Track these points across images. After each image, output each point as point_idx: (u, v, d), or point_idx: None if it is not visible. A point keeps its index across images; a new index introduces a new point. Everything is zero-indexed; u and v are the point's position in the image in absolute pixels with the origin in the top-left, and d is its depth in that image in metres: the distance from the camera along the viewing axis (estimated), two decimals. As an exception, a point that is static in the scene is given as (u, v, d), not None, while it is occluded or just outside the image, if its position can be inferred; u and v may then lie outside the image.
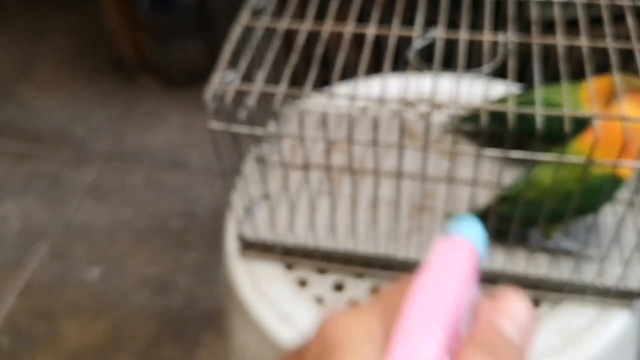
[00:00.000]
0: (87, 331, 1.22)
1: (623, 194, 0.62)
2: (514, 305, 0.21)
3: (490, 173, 0.66)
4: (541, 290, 0.57)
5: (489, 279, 0.58)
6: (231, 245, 0.65)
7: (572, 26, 0.58)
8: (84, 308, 1.26)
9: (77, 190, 1.52)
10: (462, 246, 0.22)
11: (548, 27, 0.57)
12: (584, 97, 0.56)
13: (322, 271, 0.62)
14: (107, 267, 1.33)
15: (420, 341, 0.19)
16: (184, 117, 1.68)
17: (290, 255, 0.62)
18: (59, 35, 2.01)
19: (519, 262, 0.57)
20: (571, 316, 0.55)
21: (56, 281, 1.31)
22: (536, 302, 0.58)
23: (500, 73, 0.62)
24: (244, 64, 0.51)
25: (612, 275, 0.55)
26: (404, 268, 0.60)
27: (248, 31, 0.55)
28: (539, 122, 0.42)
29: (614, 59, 0.50)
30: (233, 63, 0.53)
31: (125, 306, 1.26)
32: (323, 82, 0.71)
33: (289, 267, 0.63)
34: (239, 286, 0.62)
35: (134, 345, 1.19)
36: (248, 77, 0.52)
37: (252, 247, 0.63)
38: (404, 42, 0.56)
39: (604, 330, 0.55)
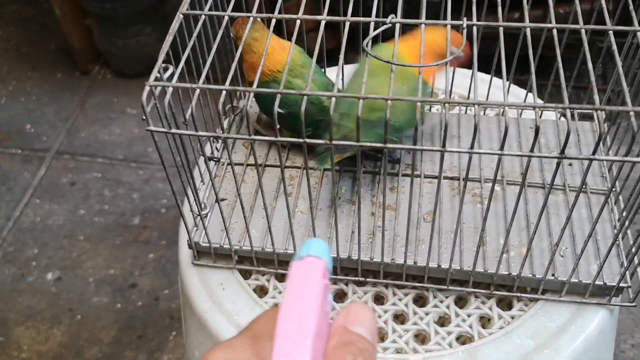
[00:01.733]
0: (43, 339, 1.16)
1: (597, 185, 0.60)
2: (359, 311, 0.26)
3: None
4: (514, 291, 0.53)
5: (460, 280, 0.54)
6: (184, 253, 0.60)
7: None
8: (39, 315, 1.19)
9: (26, 189, 1.44)
10: (314, 265, 0.25)
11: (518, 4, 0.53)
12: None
13: (281, 278, 0.58)
14: (62, 270, 1.27)
15: (297, 355, 0.22)
16: (139, 109, 1.61)
17: (247, 262, 0.58)
18: (4, 24, 1.90)
19: (490, 261, 0.53)
20: (546, 317, 0.52)
21: (8, 287, 1.24)
22: (509, 304, 0.55)
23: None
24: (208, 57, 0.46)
25: (588, 272, 0.52)
26: (368, 271, 0.56)
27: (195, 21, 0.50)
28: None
29: (585, 40, 0.46)
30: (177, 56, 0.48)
31: (83, 311, 1.20)
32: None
33: (246, 274, 0.58)
34: (193, 297, 0.57)
35: (93, 353, 1.13)
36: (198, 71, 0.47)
37: (205, 255, 0.58)
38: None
39: (580, 329, 0.52)
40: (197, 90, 0.43)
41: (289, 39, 0.48)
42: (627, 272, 0.51)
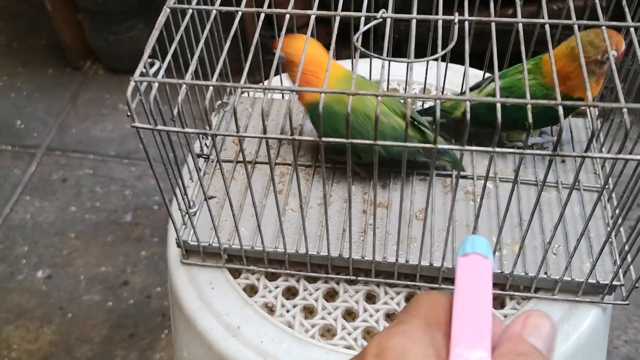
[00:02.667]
0: (33, 338, 1.15)
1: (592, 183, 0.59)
2: (539, 321, 0.25)
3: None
4: (506, 290, 0.53)
5: (452, 278, 0.54)
6: (172, 251, 0.59)
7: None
8: (29, 313, 1.18)
9: (16, 185, 1.42)
10: (483, 264, 0.26)
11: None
12: (546, 71, 0.56)
13: (271, 277, 0.57)
14: (53, 268, 1.26)
15: (476, 353, 0.22)
16: (131, 105, 1.59)
17: (237, 261, 0.57)
18: (-6, 20, 1.89)
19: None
20: (539, 316, 0.52)
21: (-2, 286, 1.23)
22: (502, 303, 0.54)
23: (458, 56, 0.57)
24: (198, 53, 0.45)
25: (580, 270, 0.52)
26: (359, 269, 0.55)
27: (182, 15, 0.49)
28: (499, 115, 0.38)
29: (578, 35, 0.45)
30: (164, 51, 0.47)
31: (74, 309, 1.19)
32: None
33: (236, 273, 0.58)
34: (181, 296, 0.56)
35: (84, 352, 1.12)
36: (185, 66, 0.46)
37: (194, 254, 0.57)
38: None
39: (573, 328, 0.51)
40: (184, 86, 0.43)
41: (279, 34, 0.48)
42: (620, 270, 0.51)
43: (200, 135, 0.63)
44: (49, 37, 1.78)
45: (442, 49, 0.44)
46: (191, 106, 0.57)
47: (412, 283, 0.54)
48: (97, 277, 1.24)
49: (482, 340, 0.23)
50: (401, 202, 0.48)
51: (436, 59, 0.45)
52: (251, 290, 0.57)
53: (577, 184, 0.58)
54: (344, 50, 0.83)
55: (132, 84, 0.42)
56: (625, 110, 0.39)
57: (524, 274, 0.52)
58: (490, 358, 0.23)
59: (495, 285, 0.54)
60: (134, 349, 1.13)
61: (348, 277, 0.55)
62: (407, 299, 0.55)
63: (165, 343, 1.13)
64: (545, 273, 0.52)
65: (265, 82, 0.55)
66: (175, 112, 0.45)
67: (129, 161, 1.47)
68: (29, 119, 1.58)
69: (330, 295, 0.57)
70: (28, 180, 1.43)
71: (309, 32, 0.46)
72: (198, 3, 0.50)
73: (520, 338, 0.24)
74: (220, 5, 0.49)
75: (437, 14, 0.47)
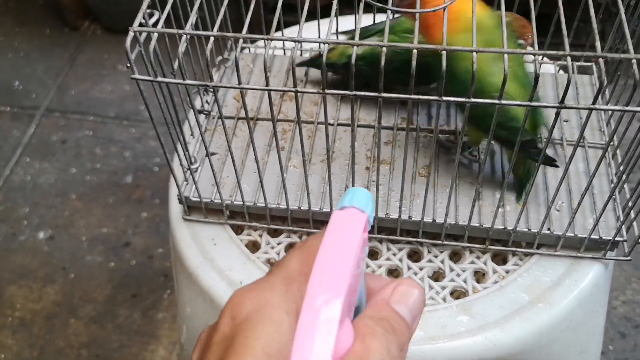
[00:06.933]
0: (37, 298, 1.16)
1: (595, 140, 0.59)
2: (407, 290, 0.25)
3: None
4: (509, 246, 0.53)
5: (455, 235, 0.54)
6: (174, 208, 0.59)
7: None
8: (32, 274, 1.19)
9: (16, 147, 1.42)
10: (356, 217, 0.25)
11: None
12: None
13: (274, 233, 0.57)
14: (55, 229, 1.26)
15: (327, 305, 0.22)
16: (130, 66, 1.57)
17: (239, 217, 0.57)
18: (-12, -21, 1.85)
19: (486, 216, 0.53)
20: (540, 272, 0.52)
21: (0, 247, 1.24)
22: (504, 259, 0.54)
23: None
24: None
25: (583, 226, 0.52)
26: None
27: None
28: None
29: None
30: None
31: (77, 270, 1.19)
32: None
33: (238, 230, 0.57)
34: (184, 252, 0.57)
35: (87, 311, 1.13)
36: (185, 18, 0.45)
37: (196, 210, 0.57)
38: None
39: (575, 284, 0.51)
40: (184, 37, 0.42)
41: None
42: (623, 226, 0.51)
43: (201, 91, 0.62)
44: (46, -4, 1.75)
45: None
46: (192, 60, 0.56)
47: (415, 239, 0.54)
48: (99, 238, 1.24)
49: (336, 297, 0.22)
50: (405, 158, 0.48)
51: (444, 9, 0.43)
52: (253, 247, 0.57)
53: (582, 140, 0.58)
54: (346, 10, 0.81)
55: (131, 34, 0.41)
56: (634, 60, 0.39)
57: (527, 230, 0.51)
58: (340, 313, 0.22)
59: (497, 241, 0.54)
60: (137, 308, 1.14)
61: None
62: (410, 255, 0.55)
63: (168, 303, 1.14)
64: (549, 229, 0.51)
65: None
66: (175, 64, 0.44)
67: (128, 122, 1.46)
68: (27, 80, 1.57)
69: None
70: (28, 142, 1.43)
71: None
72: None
73: (385, 304, 0.25)
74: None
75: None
